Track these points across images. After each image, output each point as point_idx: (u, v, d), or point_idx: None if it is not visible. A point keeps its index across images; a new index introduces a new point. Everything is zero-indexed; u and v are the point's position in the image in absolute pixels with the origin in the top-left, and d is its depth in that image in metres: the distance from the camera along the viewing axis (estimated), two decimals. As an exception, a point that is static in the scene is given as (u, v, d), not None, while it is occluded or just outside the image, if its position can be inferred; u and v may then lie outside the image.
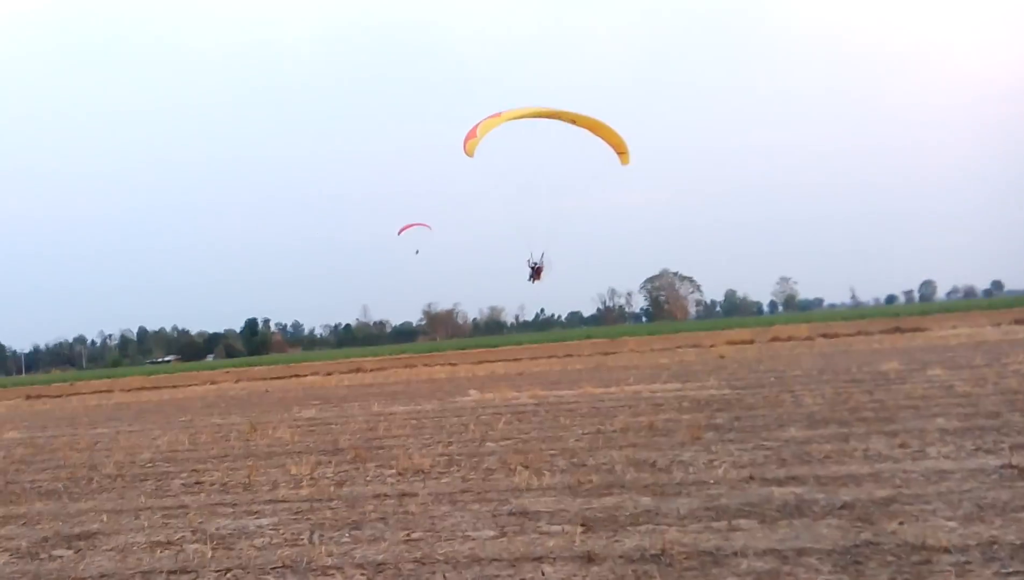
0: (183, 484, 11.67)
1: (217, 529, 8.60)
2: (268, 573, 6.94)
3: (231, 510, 9.53)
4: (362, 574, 6.69)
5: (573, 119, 14.37)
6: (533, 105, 14.42)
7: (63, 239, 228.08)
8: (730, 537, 6.89)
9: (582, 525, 7.57)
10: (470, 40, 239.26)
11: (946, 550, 6.15)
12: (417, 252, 24.31)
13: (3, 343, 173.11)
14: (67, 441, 18.94)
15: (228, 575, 6.97)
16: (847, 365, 23.88)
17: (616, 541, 7.01)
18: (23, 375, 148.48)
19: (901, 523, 6.93)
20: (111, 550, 8.09)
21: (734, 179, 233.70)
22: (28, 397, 48.82)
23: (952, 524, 6.81)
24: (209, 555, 7.56)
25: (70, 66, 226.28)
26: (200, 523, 8.94)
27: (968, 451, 9.74)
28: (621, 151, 14.80)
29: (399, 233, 24.04)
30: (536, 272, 16.10)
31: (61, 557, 8.00)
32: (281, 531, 8.29)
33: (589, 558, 6.59)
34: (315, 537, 7.92)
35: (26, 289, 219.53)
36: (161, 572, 7.17)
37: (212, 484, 11.43)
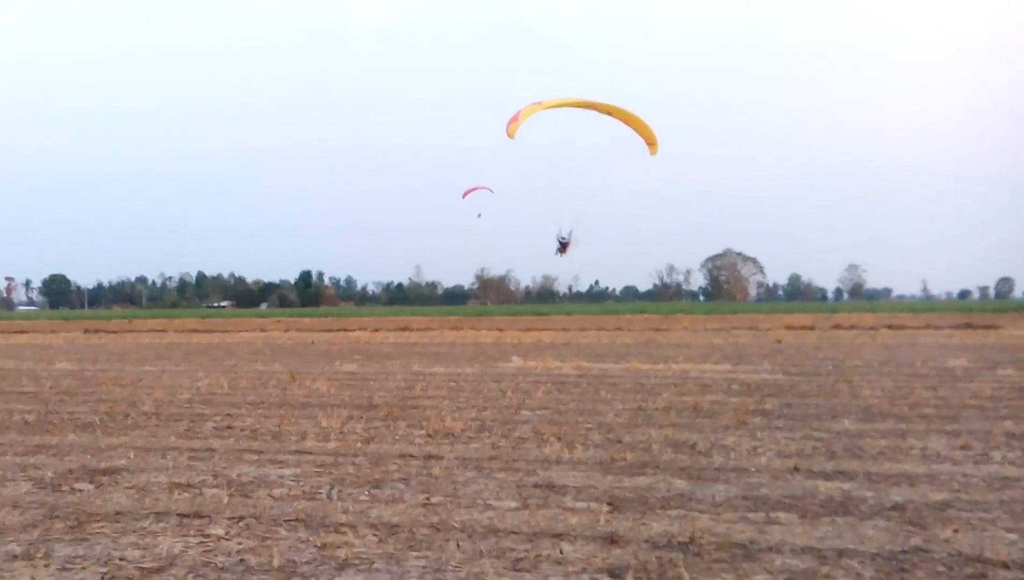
0: (214, 427, 11.65)
1: (238, 475, 8.47)
2: (280, 525, 6.73)
3: (256, 457, 9.42)
4: (375, 535, 6.43)
5: (608, 110, 15.03)
6: (573, 96, 15.46)
7: (130, 182, 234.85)
8: (766, 530, 6.41)
9: (609, 504, 7.17)
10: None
11: (1004, 565, 5.57)
12: (480, 216, 24.19)
13: (69, 277, 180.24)
14: (113, 376, 19.29)
15: (241, 523, 6.79)
16: (911, 358, 22.79)
17: (643, 524, 6.60)
18: (86, 309, 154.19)
19: (956, 531, 6.35)
20: (131, 487, 8.02)
21: (806, 160, 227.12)
22: (86, 331, 50.50)
23: (1013, 536, 6.21)
24: (225, 501, 7.40)
25: (144, 16, 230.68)
26: (223, 468, 8.83)
27: (1036, 459, 9.01)
28: (651, 142, 15.42)
29: (463, 196, 23.82)
30: (563, 246, 16.71)
31: (81, 491, 7.95)
32: (301, 483, 8.11)
33: (612, 539, 6.19)
34: (333, 492, 7.71)
35: (95, 227, 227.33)
36: (174, 514, 7.03)
37: (243, 430, 11.38)
